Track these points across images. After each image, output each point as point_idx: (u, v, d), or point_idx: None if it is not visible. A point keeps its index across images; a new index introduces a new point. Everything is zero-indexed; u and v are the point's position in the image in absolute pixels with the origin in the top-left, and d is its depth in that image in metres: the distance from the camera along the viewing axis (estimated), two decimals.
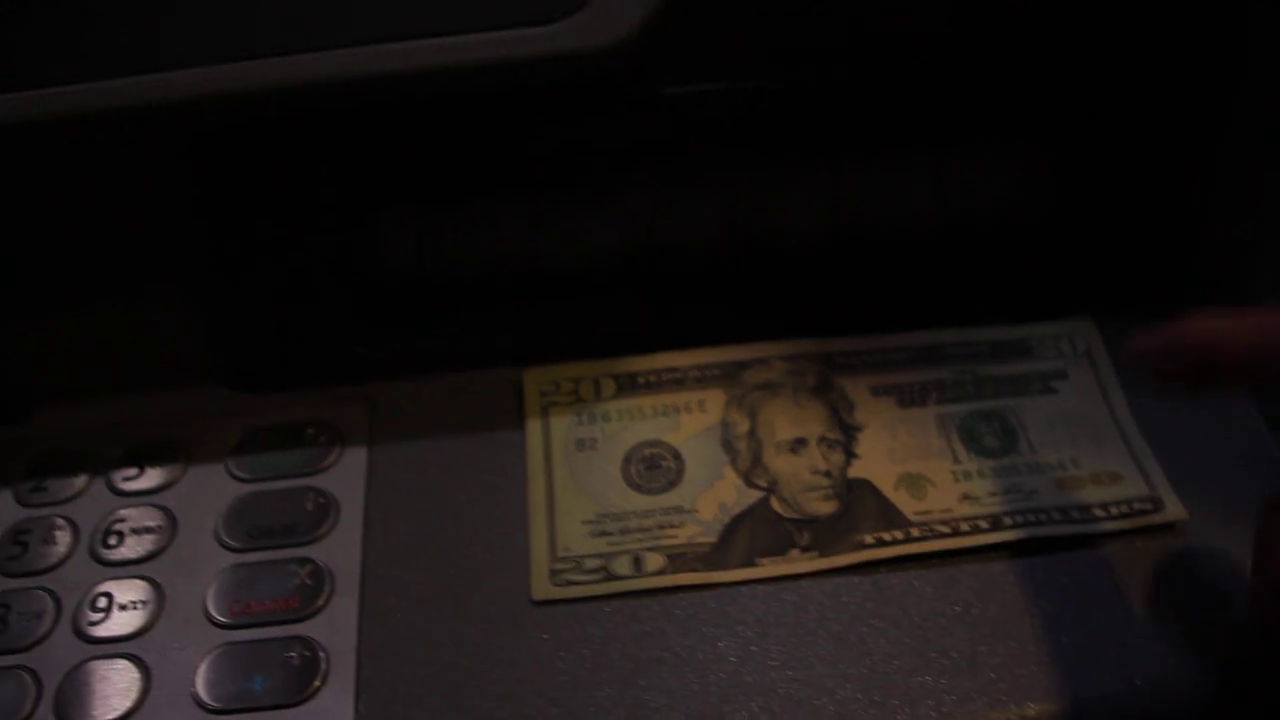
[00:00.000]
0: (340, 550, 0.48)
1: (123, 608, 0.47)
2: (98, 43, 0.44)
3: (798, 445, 0.49)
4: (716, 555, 0.46)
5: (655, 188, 0.51)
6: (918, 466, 0.49)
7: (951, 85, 0.50)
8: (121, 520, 0.50)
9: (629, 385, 0.51)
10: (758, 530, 0.47)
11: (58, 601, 0.48)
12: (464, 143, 0.50)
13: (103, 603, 0.48)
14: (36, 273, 0.51)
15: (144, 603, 0.48)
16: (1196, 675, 0.43)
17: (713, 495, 0.48)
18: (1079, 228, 0.53)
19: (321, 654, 0.45)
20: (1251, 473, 0.48)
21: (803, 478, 0.48)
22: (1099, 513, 0.47)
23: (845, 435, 0.50)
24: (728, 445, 0.50)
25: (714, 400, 0.51)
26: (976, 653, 0.44)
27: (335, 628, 0.46)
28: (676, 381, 0.51)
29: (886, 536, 0.46)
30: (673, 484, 0.49)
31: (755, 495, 0.48)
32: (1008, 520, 0.47)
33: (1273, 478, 0.47)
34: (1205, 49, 0.48)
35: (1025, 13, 0.47)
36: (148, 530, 0.50)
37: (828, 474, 0.48)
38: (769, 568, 0.46)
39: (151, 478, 0.51)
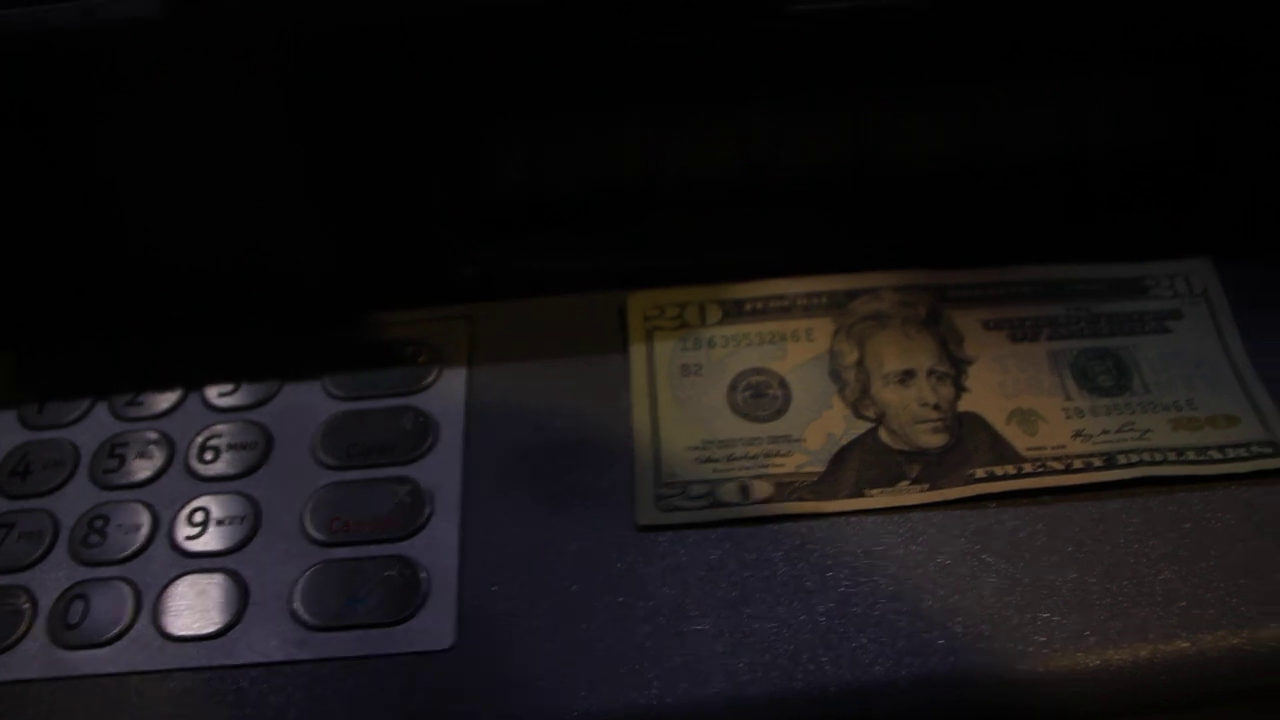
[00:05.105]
0: (440, 470, 0.47)
1: (220, 523, 0.47)
2: None
3: (906, 377, 0.48)
4: (825, 485, 0.46)
5: (772, 107, 0.50)
6: (1029, 402, 0.48)
7: (1080, 8, 0.48)
8: (218, 436, 0.50)
9: (735, 311, 0.50)
10: (866, 461, 0.46)
11: (155, 515, 0.48)
12: (575, 56, 0.48)
13: (199, 517, 0.47)
14: (129, 191, 0.50)
15: (241, 518, 0.47)
16: None
17: (821, 425, 0.47)
18: (1201, 165, 0.51)
19: (422, 574, 0.45)
20: None
21: (911, 410, 0.47)
22: (1215, 455, 0.46)
23: (955, 368, 0.49)
24: (835, 375, 0.49)
25: (822, 329, 0.50)
26: (1089, 591, 0.43)
27: (436, 547, 0.45)
28: (784, 309, 0.50)
29: (998, 471, 0.45)
30: (780, 412, 0.48)
31: (864, 426, 0.47)
32: (1122, 459, 0.46)
33: None
34: None
35: None
36: (244, 446, 0.49)
37: (937, 406, 0.47)
38: (878, 499, 0.45)
39: (247, 394, 0.51)
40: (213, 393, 0.51)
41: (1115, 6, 0.47)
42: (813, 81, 0.49)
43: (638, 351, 0.49)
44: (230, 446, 0.49)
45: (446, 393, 0.50)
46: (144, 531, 0.47)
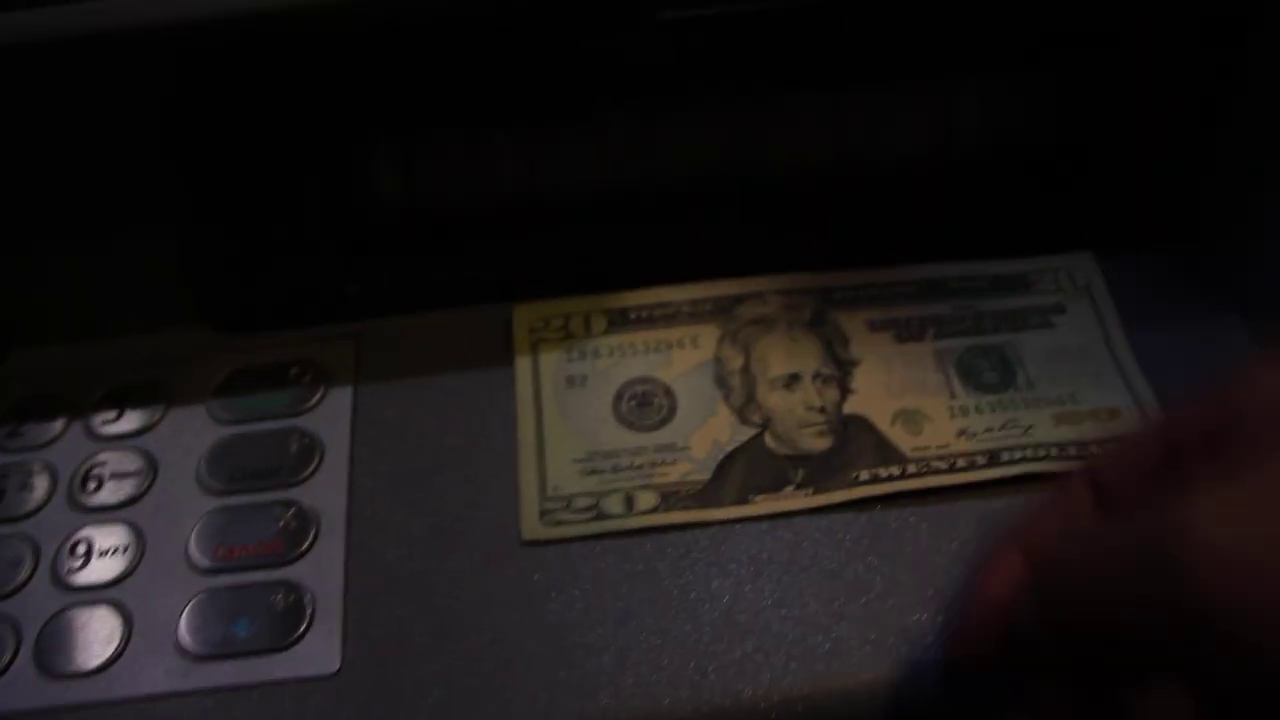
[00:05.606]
0: (325, 492, 0.47)
1: (103, 554, 0.46)
2: None
3: (791, 381, 0.48)
4: (710, 493, 0.45)
5: (650, 117, 0.50)
6: (914, 402, 0.48)
7: (954, 11, 0.48)
8: (101, 464, 0.49)
9: (620, 321, 0.50)
10: (752, 467, 0.46)
11: (36, 548, 0.47)
12: (451, 72, 0.48)
13: (82, 549, 0.47)
14: (11, 212, 0.49)
15: (125, 548, 0.47)
16: None
17: (706, 432, 0.47)
18: (1081, 161, 0.52)
19: (307, 597, 0.44)
20: None
21: (797, 414, 0.47)
22: (1096, 449, 0.46)
23: (840, 370, 0.49)
24: (721, 381, 0.49)
25: (707, 335, 0.50)
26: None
27: (321, 570, 0.45)
28: (669, 317, 0.50)
29: (882, 473, 0.46)
30: (665, 421, 0.48)
31: (749, 432, 0.47)
32: (1005, 456, 0.46)
33: None
34: None
35: None
36: (127, 474, 0.49)
37: (822, 410, 0.47)
38: (763, 505, 0.45)
39: (131, 421, 0.50)
40: (96, 420, 0.50)
41: (974, 8, 0.48)
42: (684, 92, 0.49)
43: (523, 364, 0.49)
44: (114, 475, 0.49)
45: (332, 413, 0.49)
46: (25, 566, 0.46)
